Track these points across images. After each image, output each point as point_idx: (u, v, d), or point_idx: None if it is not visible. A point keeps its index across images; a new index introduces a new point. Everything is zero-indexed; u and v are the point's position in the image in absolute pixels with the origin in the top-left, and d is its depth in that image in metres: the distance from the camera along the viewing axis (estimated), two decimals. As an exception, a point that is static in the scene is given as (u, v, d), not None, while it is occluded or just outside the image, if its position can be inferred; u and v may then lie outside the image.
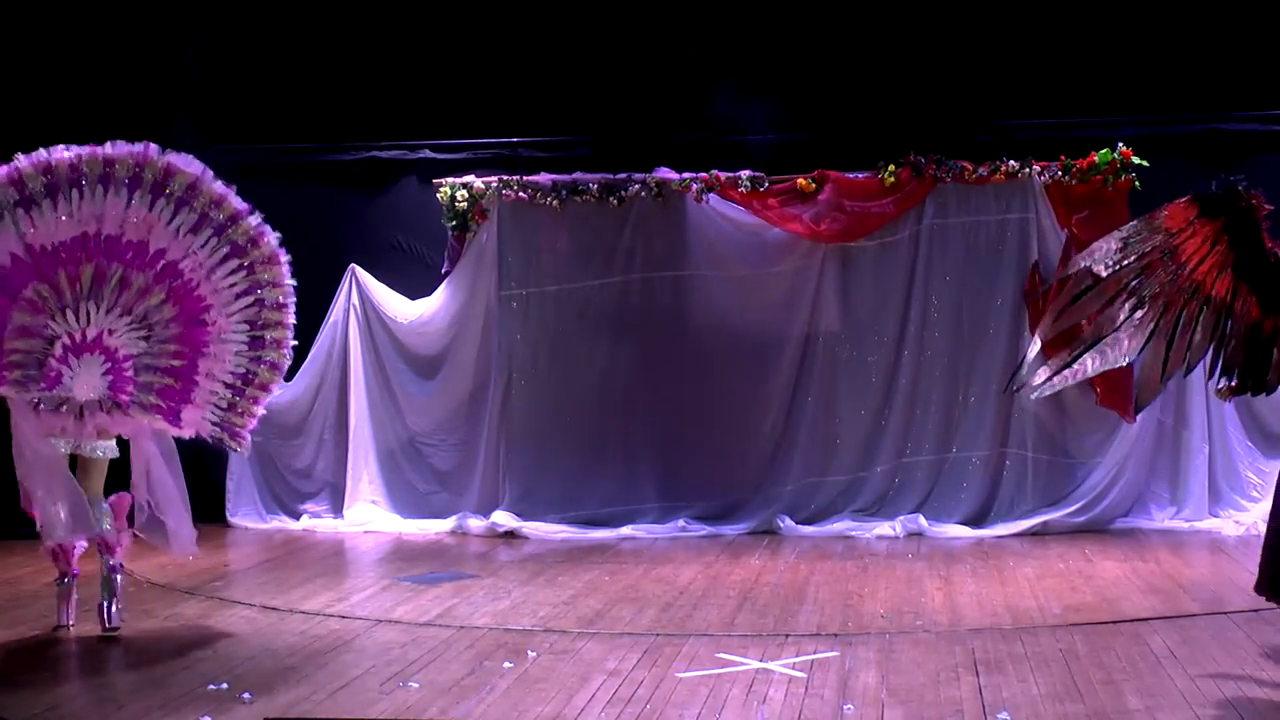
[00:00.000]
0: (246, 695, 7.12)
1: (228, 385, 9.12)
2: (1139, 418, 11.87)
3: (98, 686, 7.60)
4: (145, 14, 13.24)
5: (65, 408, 8.71)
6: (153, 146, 8.85)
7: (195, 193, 8.91)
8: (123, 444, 9.37)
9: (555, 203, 12.48)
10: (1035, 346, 7.99)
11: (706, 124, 12.81)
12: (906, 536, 11.91)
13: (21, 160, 8.59)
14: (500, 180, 12.60)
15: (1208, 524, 11.97)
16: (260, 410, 9.39)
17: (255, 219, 9.16)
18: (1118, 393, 11.86)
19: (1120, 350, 7.79)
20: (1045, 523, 11.95)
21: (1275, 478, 11.22)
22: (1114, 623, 8.61)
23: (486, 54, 13.15)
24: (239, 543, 12.35)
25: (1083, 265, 7.84)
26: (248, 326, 9.13)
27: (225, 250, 9.00)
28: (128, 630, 8.88)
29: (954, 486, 12.31)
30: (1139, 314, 7.69)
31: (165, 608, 9.59)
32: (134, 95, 13.12)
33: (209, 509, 12.57)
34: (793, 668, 7.63)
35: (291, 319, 9.33)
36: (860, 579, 10.24)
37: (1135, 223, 7.81)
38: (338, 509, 12.92)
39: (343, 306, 12.89)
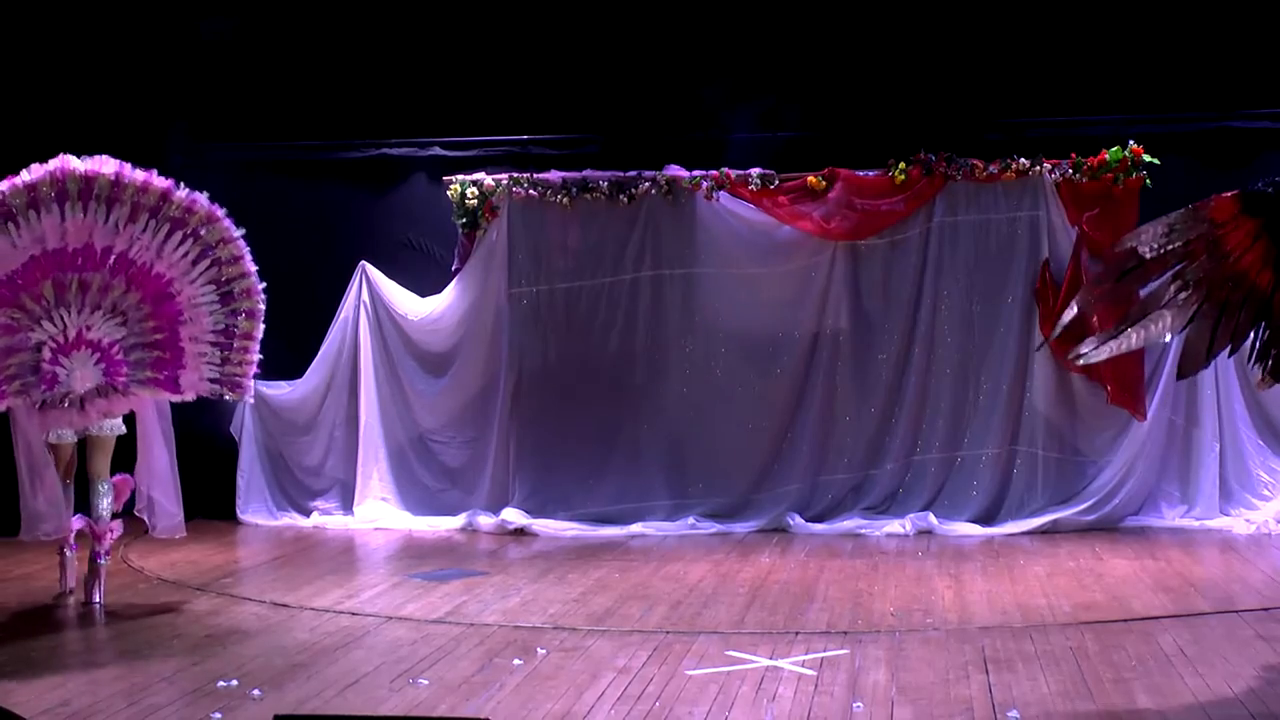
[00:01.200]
0: (256, 692, 7.14)
1: (213, 343, 9.62)
2: (1150, 416, 12.01)
3: (109, 681, 7.54)
4: (155, 8, 13.16)
5: (67, 402, 9.26)
6: (69, 158, 9.17)
7: (120, 188, 9.28)
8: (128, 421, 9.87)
9: (565, 200, 12.47)
10: (1071, 312, 8.13)
11: (717, 122, 12.81)
12: (916, 534, 11.89)
13: None
14: (510, 178, 12.58)
15: (1219, 522, 11.91)
16: (255, 357, 9.82)
17: (182, 191, 9.50)
18: (1128, 391, 11.94)
19: (1163, 326, 7.88)
20: (1055, 521, 11.90)
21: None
22: (1124, 621, 8.60)
23: (497, 51, 13.16)
24: (249, 540, 12.38)
25: (1129, 245, 7.86)
26: (214, 286, 9.59)
27: (166, 228, 9.42)
28: (138, 626, 8.95)
29: (964, 484, 12.28)
30: (1183, 295, 7.75)
31: (176, 604, 9.63)
32: (144, 92, 13.16)
33: (220, 506, 12.89)
34: (802, 665, 7.63)
35: (251, 267, 9.72)
36: (870, 577, 10.24)
37: (1182, 211, 7.77)
38: (348, 506, 12.91)
39: (353, 304, 12.89)
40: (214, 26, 13.24)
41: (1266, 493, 12.00)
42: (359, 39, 13.32)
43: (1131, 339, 8.02)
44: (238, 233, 9.71)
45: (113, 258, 9.34)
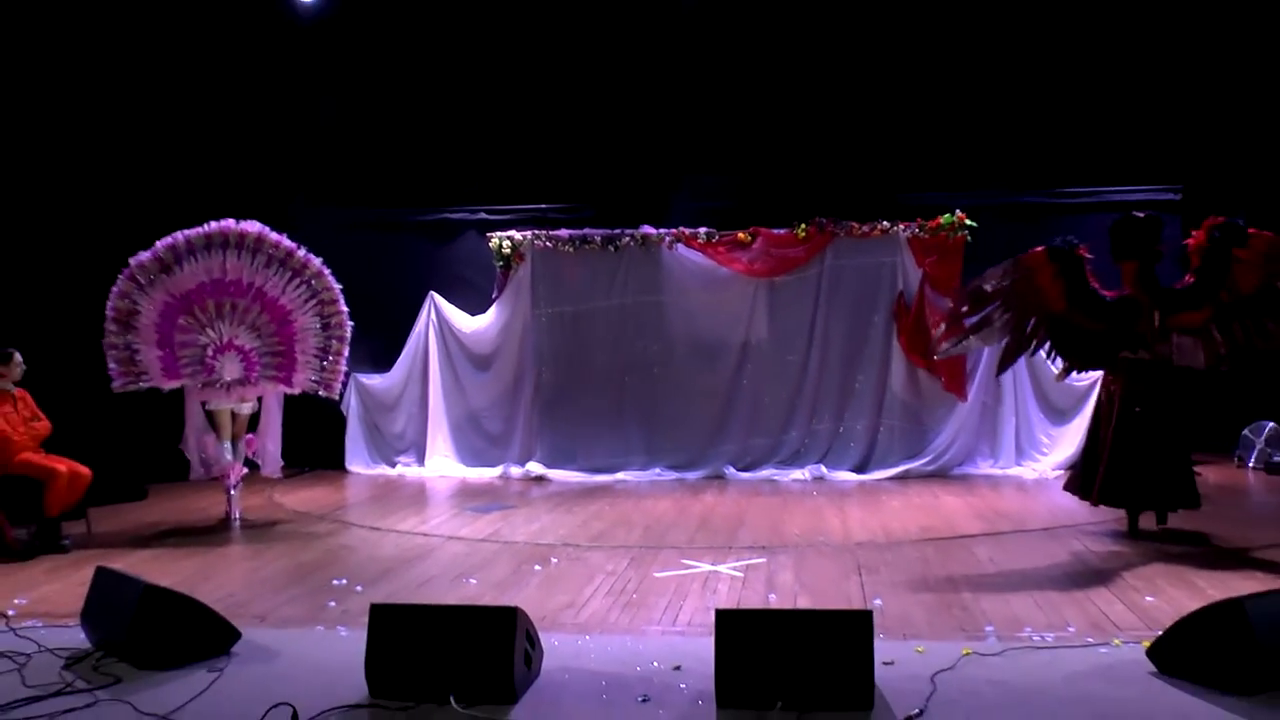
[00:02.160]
0: (359, 588, 7.33)
1: (316, 356, 10.11)
2: (970, 398, 12.21)
3: (260, 581, 7.68)
4: (277, 110, 13.41)
5: (219, 385, 9.90)
6: (229, 220, 9.77)
7: (262, 242, 9.87)
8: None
9: (571, 249, 12.58)
10: (941, 328, 8.52)
11: (676, 195, 12.81)
12: (813, 480, 11.99)
13: (157, 245, 9.59)
14: (533, 233, 12.69)
15: (1014, 470, 12.09)
16: (343, 368, 10.29)
17: (301, 251, 10.02)
18: (956, 381, 12.15)
19: (994, 337, 8.40)
20: (907, 470, 12.09)
21: (1060, 439, 11.81)
22: (953, 538, 8.79)
23: (525, 148, 13.26)
24: (353, 484, 12.40)
25: (977, 284, 8.34)
26: (319, 319, 10.10)
27: (289, 274, 9.97)
28: (280, 542, 9.12)
29: (845, 445, 12.37)
30: (1006, 315, 8.24)
31: (305, 528, 9.80)
32: (274, 166, 13.41)
33: (333, 459, 13.13)
34: (734, 570, 7.76)
35: (344, 308, 10.20)
36: (781, 509, 10.30)
37: (1010, 260, 8.31)
38: (421, 460, 12.98)
39: (424, 321, 12.99)
40: (328, 114, 13.34)
41: (1045, 450, 12.23)
42: (430, 134, 13.39)
43: (972, 343, 8.52)
44: (337, 285, 10.16)
45: (253, 290, 9.87)
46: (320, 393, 10.32)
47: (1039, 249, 8.32)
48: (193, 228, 9.78)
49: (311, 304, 10.08)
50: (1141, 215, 8.59)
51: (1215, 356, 8.20)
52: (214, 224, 9.81)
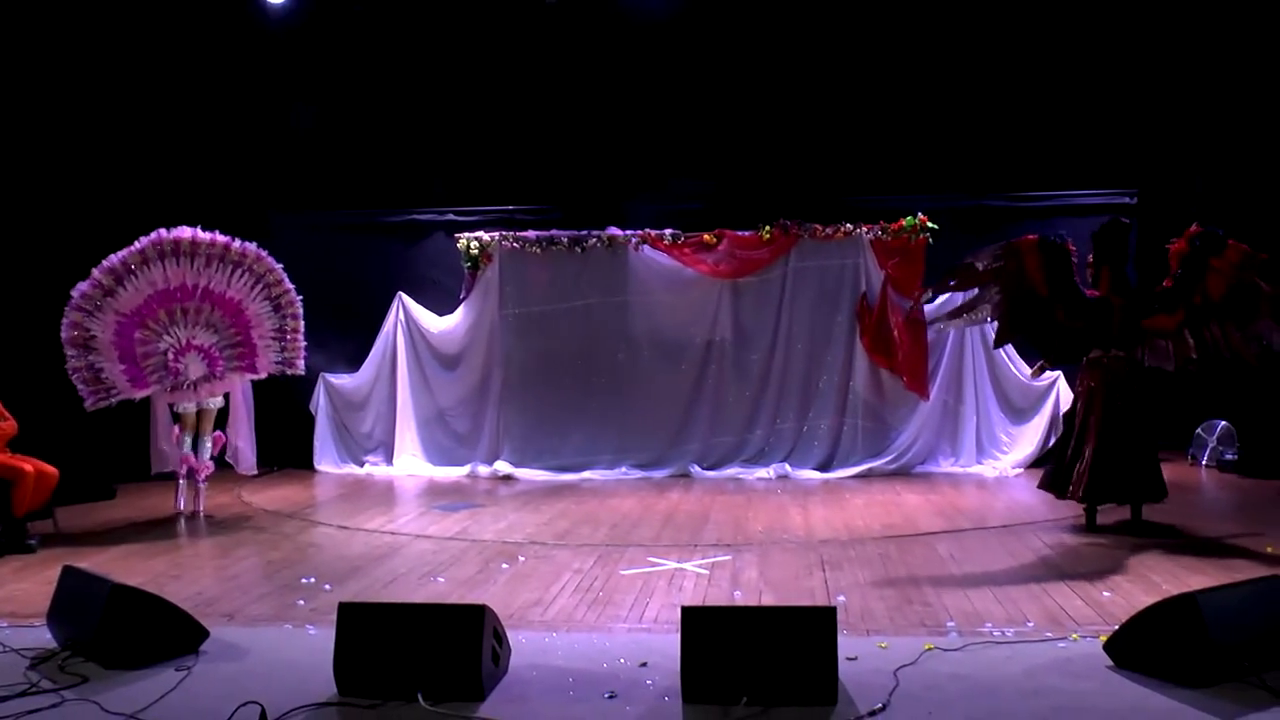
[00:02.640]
0: (327, 586, 7.30)
1: (274, 338, 10.28)
2: (931, 397, 12.23)
3: (229, 580, 7.64)
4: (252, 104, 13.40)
5: (186, 385, 10.03)
6: (161, 230, 9.84)
7: (197, 244, 9.94)
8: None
9: (538, 250, 12.51)
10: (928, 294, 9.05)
11: (643, 196, 12.83)
12: (777, 478, 11.98)
13: (94, 272, 9.65)
14: (501, 234, 12.63)
15: (975, 469, 12.13)
16: (302, 342, 10.40)
17: (237, 242, 10.10)
18: (918, 381, 12.15)
19: (983, 316, 8.73)
20: (870, 468, 12.07)
21: (1019, 438, 11.92)
22: (915, 536, 8.81)
23: (493, 149, 13.23)
24: (322, 482, 12.32)
25: (970, 261, 8.55)
26: (268, 302, 10.24)
27: (230, 267, 10.09)
28: (249, 541, 9.05)
29: (809, 443, 12.36)
30: (997, 295, 8.48)
31: (274, 526, 9.73)
32: (249, 171, 13.35)
33: (302, 459, 12.99)
34: (700, 567, 7.77)
35: (289, 285, 10.32)
36: (746, 507, 10.31)
37: (1004, 243, 8.55)
38: (389, 459, 12.89)
39: (393, 321, 12.91)
40: (300, 118, 13.29)
41: (1005, 448, 12.25)
42: (399, 136, 13.36)
43: (963, 322, 9.03)
44: (278, 265, 10.28)
45: (200, 291, 10.01)
46: (287, 371, 10.44)
47: (1032, 236, 8.59)
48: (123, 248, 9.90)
49: (258, 290, 10.19)
50: (1126, 220, 8.96)
51: (1186, 359, 8.51)
52: (143, 240, 9.89)
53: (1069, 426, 9.44)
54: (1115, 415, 8.71)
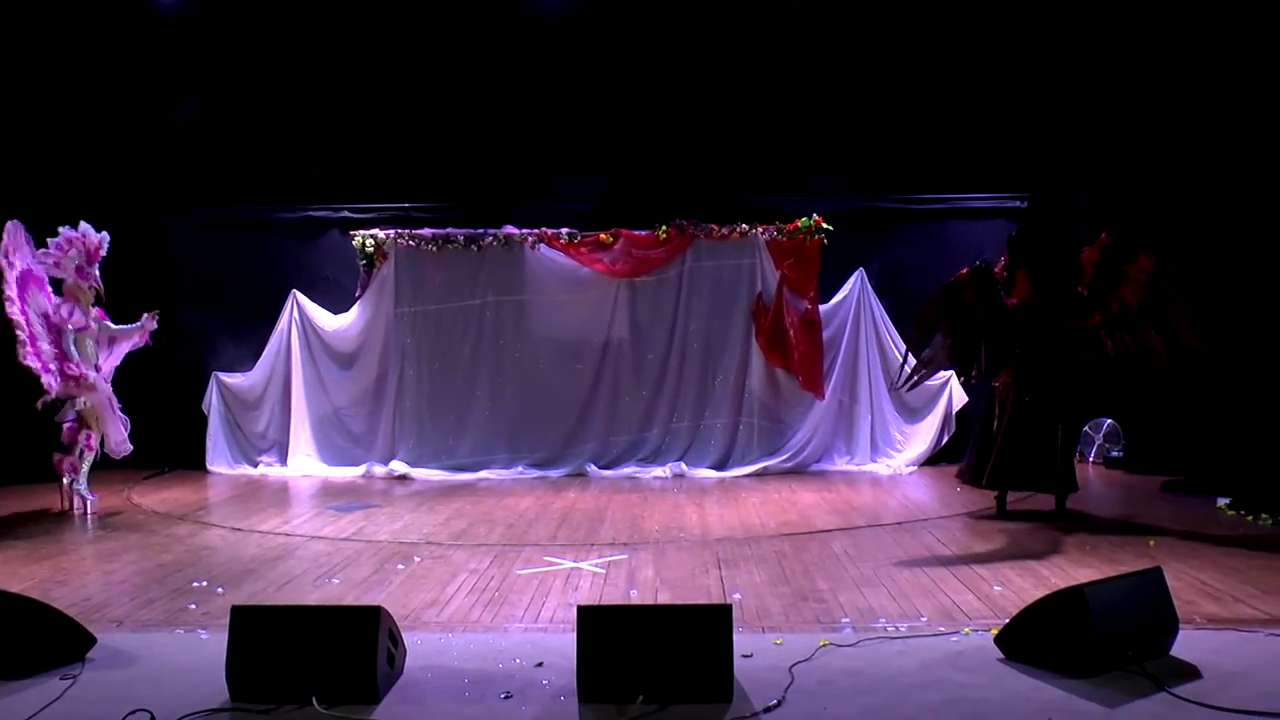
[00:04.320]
0: (220, 589, 7.22)
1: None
2: (826, 397, 12.33)
3: (117, 584, 7.49)
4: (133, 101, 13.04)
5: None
6: None
7: None
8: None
9: (434, 248, 12.46)
10: (910, 359, 9.16)
11: (540, 195, 12.78)
12: (673, 476, 12.02)
13: None
14: (396, 232, 12.56)
15: (869, 467, 12.24)
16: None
17: None
18: (813, 380, 12.29)
19: (941, 359, 9.10)
20: (766, 467, 12.15)
21: (913, 436, 12.13)
22: (810, 533, 8.87)
23: (389, 145, 13.09)
24: (214, 484, 12.11)
25: (922, 311, 9.06)
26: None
27: None
28: (138, 544, 8.86)
29: (705, 443, 12.42)
30: (947, 341, 8.89)
31: (164, 529, 9.54)
32: (138, 166, 13.03)
33: (193, 459, 12.77)
34: (596, 566, 7.79)
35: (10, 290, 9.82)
36: (642, 506, 10.33)
37: (946, 284, 9.04)
38: (284, 460, 12.76)
39: (287, 319, 12.76)
40: (184, 114, 12.93)
41: (899, 447, 12.40)
42: (294, 133, 13.12)
43: (928, 372, 9.47)
44: None
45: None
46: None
47: (963, 271, 9.10)
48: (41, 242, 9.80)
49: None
50: (1043, 225, 9.44)
51: (1102, 358, 8.93)
52: None
53: (985, 419, 9.77)
54: (1024, 409, 9.22)
